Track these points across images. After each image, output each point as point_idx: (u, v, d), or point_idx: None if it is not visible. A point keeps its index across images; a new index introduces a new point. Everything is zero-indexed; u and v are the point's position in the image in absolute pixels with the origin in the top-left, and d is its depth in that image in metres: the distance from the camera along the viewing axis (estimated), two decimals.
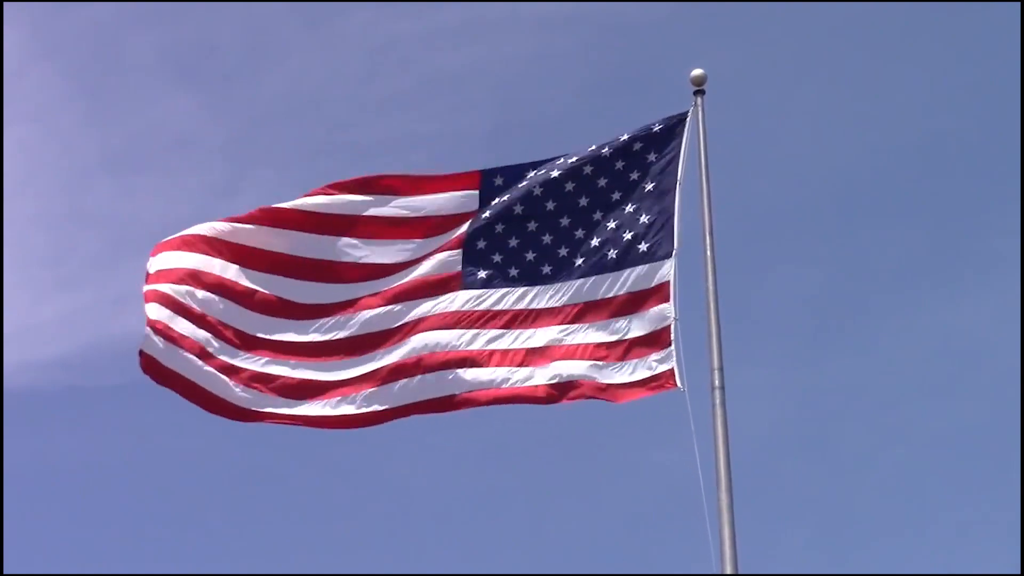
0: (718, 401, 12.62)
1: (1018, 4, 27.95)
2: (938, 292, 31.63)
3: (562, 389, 13.54)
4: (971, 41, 32.78)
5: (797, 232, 32.50)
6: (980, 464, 28.89)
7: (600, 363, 13.55)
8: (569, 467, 29.25)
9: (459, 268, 14.12)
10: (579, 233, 14.12)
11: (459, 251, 14.15)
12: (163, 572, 28.30)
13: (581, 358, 13.58)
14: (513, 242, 14.17)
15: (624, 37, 33.26)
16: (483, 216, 14.20)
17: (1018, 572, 22.25)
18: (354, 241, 14.15)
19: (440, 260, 14.11)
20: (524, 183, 14.24)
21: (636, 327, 13.55)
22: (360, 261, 14.11)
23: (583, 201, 14.18)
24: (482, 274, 14.09)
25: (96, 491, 30.53)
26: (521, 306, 13.91)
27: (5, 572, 23.01)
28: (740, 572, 11.88)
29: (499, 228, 14.18)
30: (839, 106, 33.10)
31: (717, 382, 12.69)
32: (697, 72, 14.29)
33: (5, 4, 28.85)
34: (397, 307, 14.00)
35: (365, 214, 14.15)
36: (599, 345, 13.59)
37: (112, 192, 32.69)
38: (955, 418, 29.71)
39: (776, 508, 26.40)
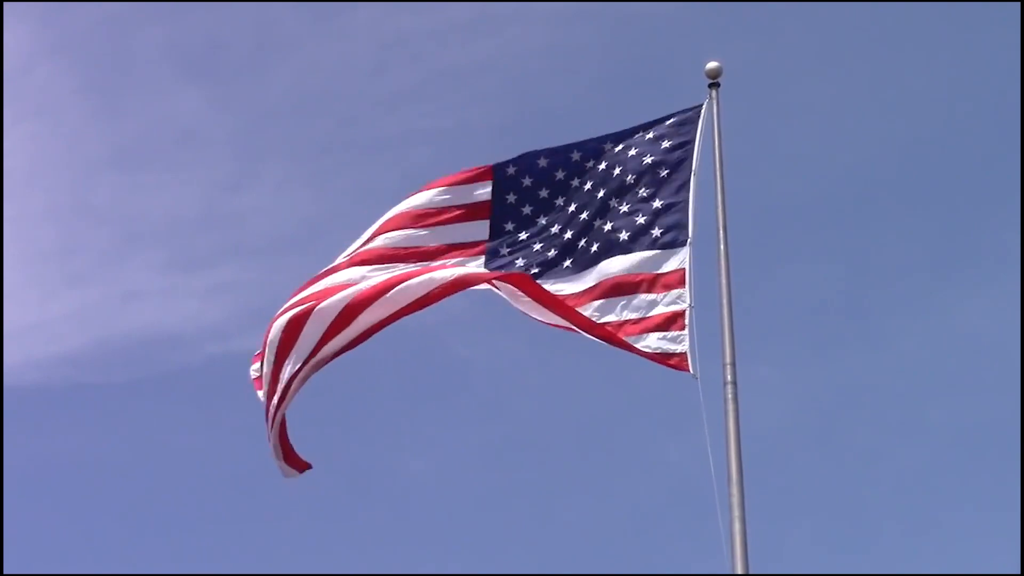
0: (730, 396, 12.54)
1: (1018, 4, 27.92)
2: (950, 289, 31.58)
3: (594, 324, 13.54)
4: (974, 40, 32.74)
5: (806, 228, 32.44)
6: (990, 461, 28.79)
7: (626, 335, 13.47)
8: (579, 463, 29.20)
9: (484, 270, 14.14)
10: (597, 223, 14.06)
11: (481, 259, 14.22)
12: (164, 572, 28.26)
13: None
14: (536, 244, 14.21)
15: (635, 32, 33.26)
16: (497, 226, 14.31)
17: (1018, 572, 22.21)
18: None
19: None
20: (537, 181, 14.34)
21: (652, 307, 13.45)
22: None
23: (600, 192, 14.20)
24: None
25: (102, 489, 30.48)
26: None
27: (5, 572, 22.99)
28: (751, 570, 11.80)
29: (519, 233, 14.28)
30: (847, 104, 33.09)
31: (729, 377, 12.62)
32: (712, 65, 14.26)
33: (8, 3, 28.89)
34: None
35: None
36: (623, 321, 13.50)
37: (119, 188, 32.71)
38: (967, 415, 29.63)
39: (785, 505, 26.33)
